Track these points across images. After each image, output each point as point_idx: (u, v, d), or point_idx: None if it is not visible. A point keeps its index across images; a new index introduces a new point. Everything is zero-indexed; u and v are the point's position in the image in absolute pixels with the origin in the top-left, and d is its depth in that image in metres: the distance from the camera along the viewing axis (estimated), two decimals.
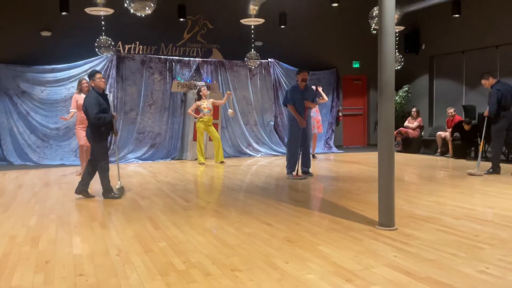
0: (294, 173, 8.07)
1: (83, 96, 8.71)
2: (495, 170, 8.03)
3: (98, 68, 10.71)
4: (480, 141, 8.52)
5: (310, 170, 8.27)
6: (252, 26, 11.03)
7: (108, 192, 6.30)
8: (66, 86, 10.61)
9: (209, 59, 12.08)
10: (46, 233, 4.54)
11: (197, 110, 10.14)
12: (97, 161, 6.26)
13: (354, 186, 7.17)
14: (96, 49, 9.57)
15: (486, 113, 8.04)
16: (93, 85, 6.28)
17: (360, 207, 5.53)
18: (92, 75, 6.31)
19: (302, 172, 8.12)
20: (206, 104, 10.06)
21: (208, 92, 10.56)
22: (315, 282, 3.12)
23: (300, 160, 8.09)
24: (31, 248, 4.03)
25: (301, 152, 8.07)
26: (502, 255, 3.63)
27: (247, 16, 10.54)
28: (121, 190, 6.46)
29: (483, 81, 8.16)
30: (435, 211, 5.26)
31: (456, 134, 10.82)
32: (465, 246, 3.88)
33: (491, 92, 7.98)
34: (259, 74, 12.51)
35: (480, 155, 8.58)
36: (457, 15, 11.69)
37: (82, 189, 6.34)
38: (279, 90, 12.60)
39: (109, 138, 6.69)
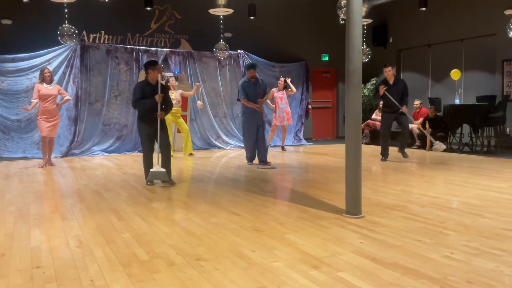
0: (254, 161, 8.45)
1: (45, 85, 8.43)
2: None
3: (61, 58, 10.38)
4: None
5: (268, 160, 8.44)
6: (221, 17, 10.91)
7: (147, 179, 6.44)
8: (27, 76, 10.18)
9: (177, 50, 11.87)
10: (3, 226, 4.34)
11: None
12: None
13: (323, 177, 7.18)
14: (59, 38, 9.26)
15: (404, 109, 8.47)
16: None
17: (328, 196, 5.52)
18: (145, 66, 6.56)
19: (260, 162, 8.32)
20: (174, 95, 9.88)
21: (177, 83, 10.38)
22: (281, 270, 3.07)
23: (257, 151, 8.38)
24: None
25: (257, 144, 8.33)
26: (467, 241, 3.67)
27: (216, 6, 10.40)
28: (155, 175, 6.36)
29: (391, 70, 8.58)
30: (401, 199, 5.30)
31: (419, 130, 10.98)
32: (431, 233, 3.91)
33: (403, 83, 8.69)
34: (229, 65, 12.37)
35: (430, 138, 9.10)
36: (424, 9, 11.84)
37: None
38: None
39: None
